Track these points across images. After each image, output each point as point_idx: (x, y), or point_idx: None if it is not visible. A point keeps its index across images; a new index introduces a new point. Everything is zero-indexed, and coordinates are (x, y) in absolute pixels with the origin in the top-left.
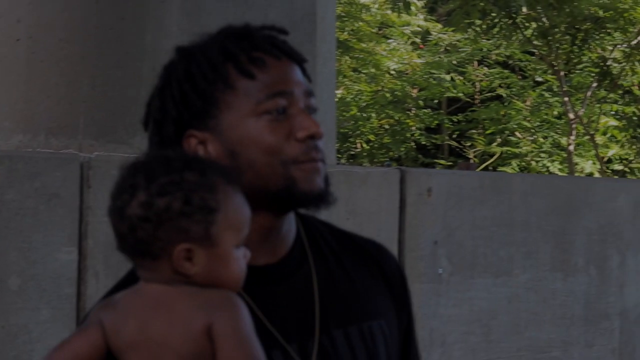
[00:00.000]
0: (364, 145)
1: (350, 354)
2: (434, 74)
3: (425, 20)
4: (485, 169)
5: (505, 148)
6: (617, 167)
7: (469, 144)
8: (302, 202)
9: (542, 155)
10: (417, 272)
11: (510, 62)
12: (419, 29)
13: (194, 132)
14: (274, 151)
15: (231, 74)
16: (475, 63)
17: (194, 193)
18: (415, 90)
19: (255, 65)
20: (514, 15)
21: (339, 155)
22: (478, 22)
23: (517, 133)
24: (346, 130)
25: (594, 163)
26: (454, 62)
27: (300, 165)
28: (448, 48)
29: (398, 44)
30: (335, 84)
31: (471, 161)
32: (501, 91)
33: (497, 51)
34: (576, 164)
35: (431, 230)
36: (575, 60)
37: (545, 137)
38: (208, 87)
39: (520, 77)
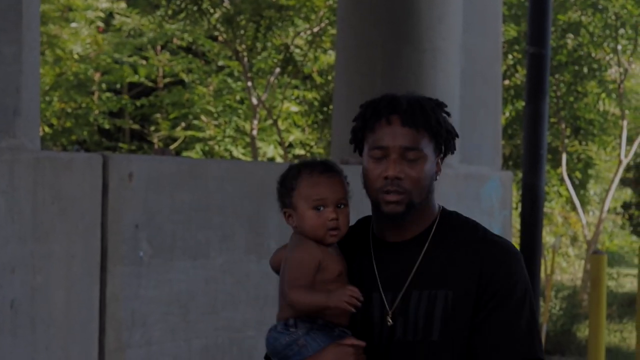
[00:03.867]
0: (46, 128)
1: (416, 308)
2: (116, 58)
3: (112, 2)
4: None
5: (189, 132)
6: (299, 151)
7: (153, 128)
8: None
9: (226, 139)
10: (119, 255)
11: (194, 47)
12: (102, 14)
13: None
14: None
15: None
16: (159, 47)
17: (286, 181)
18: (98, 74)
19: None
20: (199, 2)
21: None
22: (163, 5)
23: (202, 117)
24: None
25: (276, 147)
26: (137, 46)
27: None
28: (131, 33)
29: (81, 27)
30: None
31: (155, 146)
32: (184, 76)
33: (181, 36)
34: (259, 148)
35: (132, 214)
36: (259, 46)
37: (228, 122)
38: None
39: (203, 62)
